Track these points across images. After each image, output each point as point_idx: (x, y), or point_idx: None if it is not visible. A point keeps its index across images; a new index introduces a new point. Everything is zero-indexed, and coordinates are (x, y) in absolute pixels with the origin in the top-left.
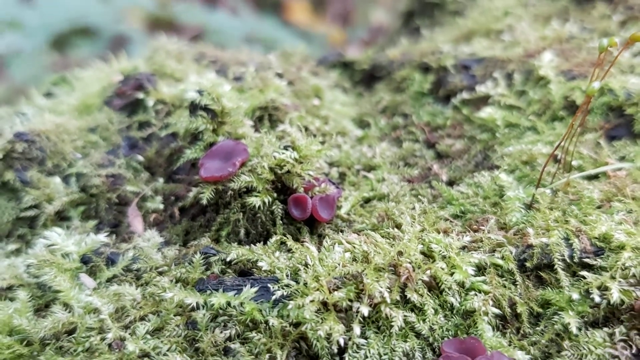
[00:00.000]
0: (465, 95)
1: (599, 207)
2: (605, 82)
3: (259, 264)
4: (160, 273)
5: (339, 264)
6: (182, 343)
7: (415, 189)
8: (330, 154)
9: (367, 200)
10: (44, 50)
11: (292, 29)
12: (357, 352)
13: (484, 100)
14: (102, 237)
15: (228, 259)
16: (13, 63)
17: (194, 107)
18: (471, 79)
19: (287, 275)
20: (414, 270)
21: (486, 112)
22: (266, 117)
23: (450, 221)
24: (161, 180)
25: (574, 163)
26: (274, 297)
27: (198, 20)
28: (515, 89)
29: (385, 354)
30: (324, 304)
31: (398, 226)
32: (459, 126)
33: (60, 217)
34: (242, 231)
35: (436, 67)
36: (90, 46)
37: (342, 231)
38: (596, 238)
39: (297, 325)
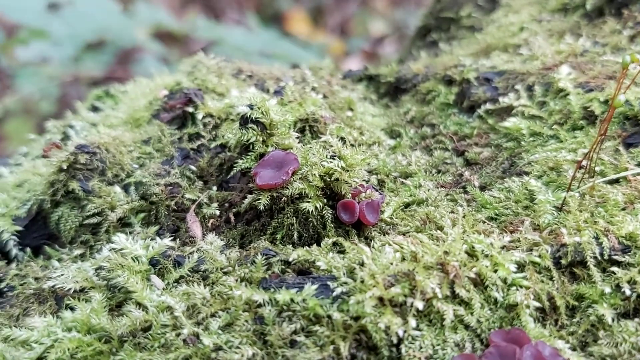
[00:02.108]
0: (489, 106)
1: (623, 209)
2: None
3: (317, 263)
4: (226, 273)
5: (391, 263)
6: (251, 337)
7: (450, 194)
8: (370, 162)
9: (407, 205)
10: (72, 59)
11: (295, 41)
12: (413, 343)
13: (508, 110)
14: (168, 241)
15: (290, 259)
16: (21, 75)
17: (244, 120)
18: (493, 90)
19: (343, 274)
20: (460, 268)
21: (511, 122)
22: (307, 128)
23: (487, 223)
24: (214, 188)
25: (596, 169)
26: (334, 294)
27: (214, 35)
28: (536, 100)
29: (438, 345)
30: (381, 299)
31: (440, 228)
32: (485, 135)
33: (122, 224)
34: (296, 234)
35: (459, 80)
36: (97, 60)
37: (387, 234)
38: (623, 237)
39: (357, 319)
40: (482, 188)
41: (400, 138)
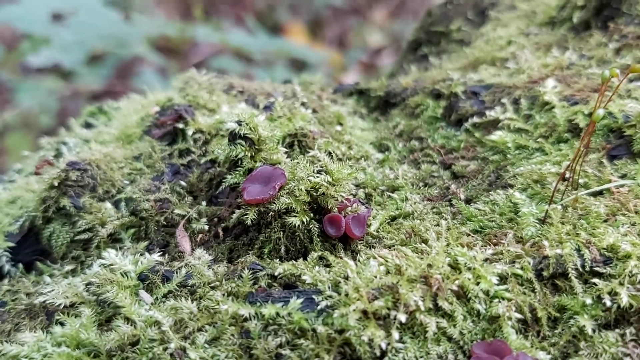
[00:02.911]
0: (476, 119)
1: (605, 221)
2: (605, 106)
3: (303, 277)
4: (213, 288)
5: (375, 276)
6: (237, 351)
7: (436, 207)
8: (357, 176)
9: (393, 219)
10: (81, 64)
11: (295, 49)
12: (396, 355)
13: (494, 124)
14: (156, 256)
15: (275, 274)
16: (21, 89)
17: (233, 136)
18: (480, 104)
19: (328, 287)
20: (443, 281)
21: (497, 135)
22: (296, 143)
23: (472, 236)
24: (204, 203)
25: (580, 181)
26: (318, 307)
27: (215, 38)
28: (522, 113)
29: (421, 357)
30: (364, 312)
31: (425, 241)
32: (472, 148)
33: (113, 240)
34: (283, 248)
35: (447, 94)
36: (97, 73)
37: (373, 247)
38: (604, 249)
39: (341, 332)
40: (468, 201)
41: (389, 152)
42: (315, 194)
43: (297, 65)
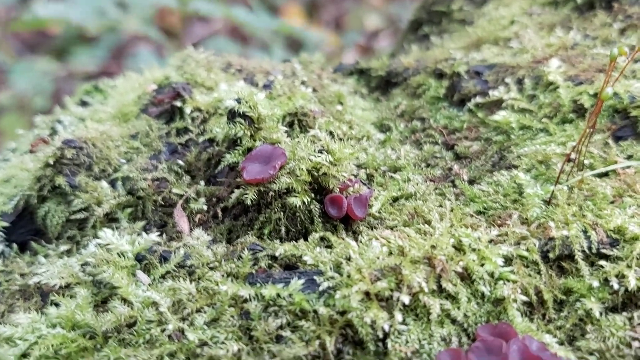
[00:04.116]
0: (479, 99)
1: (612, 202)
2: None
3: (304, 258)
4: (212, 268)
5: (378, 257)
6: (237, 332)
7: (439, 188)
8: (359, 156)
9: (395, 199)
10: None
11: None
12: (399, 338)
13: (497, 104)
14: (154, 236)
15: (276, 254)
16: (15, 71)
17: (232, 115)
18: (483, 84)
19: (330, 268)
20: (447, 262)
21: (500, 115)
22: (296, 122)
23: (476, 217)
24: (202, 183)
25: (585, 162)
26: (320, 288)
27: (222, 14)
28: (526, 94)
29: (424, 339)
30: (367, 293)
31: (428, 222)
32: (475, 129)
33: (109, 219)
34: (283, 229)
35: (450, 74)
36: (91, 54)
37: (375, 228)
38: (611, 230)
39: (343, 313)
40: (471, 182)
41: (390, 132)
42: (316, 173)
43: (294, 47)
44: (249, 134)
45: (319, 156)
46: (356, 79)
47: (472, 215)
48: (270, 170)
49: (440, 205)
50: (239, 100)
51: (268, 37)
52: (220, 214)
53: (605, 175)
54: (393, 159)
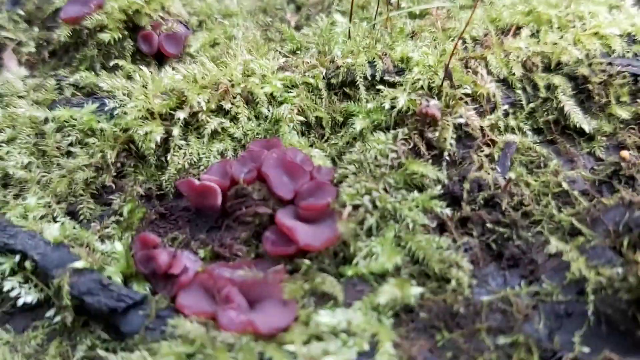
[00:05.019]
0: None
1: (412, 37)
2: None
3: (100, 84)
4: (21, 97)
5: (167, 82)
6: (31, 149)
7: (267, 34)
8: (194, 3)
9: (218, 43)
10: None
11: None
12: (178, 152)
13: None
14: None
15: (71, 81)
16: None
17: None
18: None
19: (123, 94)
20: (232, 86)
21: None
22: None
23: (281, 53)
24: (36, 29)
25: (403, 4)
26: (106, 109)
27: None
28: None
29: (203, 153)
30: (151, 113)
31: (234, 57)
32: None
33: None
34: (98, 66)
35: None
36: None
37: (184, 63)
38: (399, 60)
39: (126, 130)
40: (299, 28)
41: None
42: (130, 12)
43: None
44: None
45: None
46: None
47: (281, 53)
48: (85, 9)
49: (256, 45)
50: None
51: None
52: (47, 56)
53: (423, 17)
54: (227, 6)
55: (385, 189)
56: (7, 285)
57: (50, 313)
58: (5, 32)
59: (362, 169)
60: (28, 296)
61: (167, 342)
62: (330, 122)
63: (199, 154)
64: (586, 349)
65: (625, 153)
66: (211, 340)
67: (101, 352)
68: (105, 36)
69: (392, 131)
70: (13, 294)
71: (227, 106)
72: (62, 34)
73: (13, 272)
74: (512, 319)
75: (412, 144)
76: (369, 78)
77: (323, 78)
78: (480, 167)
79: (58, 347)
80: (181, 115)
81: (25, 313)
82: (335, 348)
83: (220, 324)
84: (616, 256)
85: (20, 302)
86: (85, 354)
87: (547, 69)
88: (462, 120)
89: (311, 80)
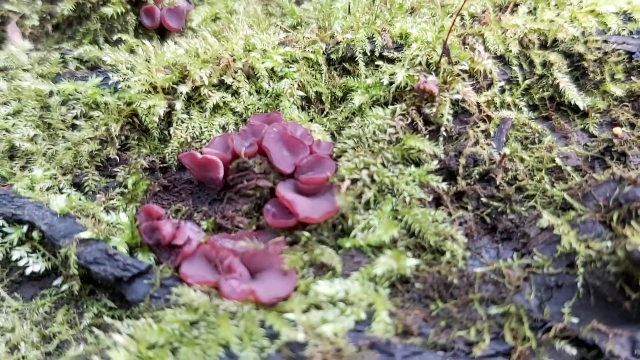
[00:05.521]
0: None
1: (411, 13)
2: None
3: (104, 58)
4: (25, 70)
5: (170, 56)
6: (37, 122)
7: (268, 9)
8: None
9: (219, 17)
10: None
11: None
12: (181, 125)
13: None
14: None
15: (75, 54)
16: None
17: None
18: None
19: (127, 68)
20: (234, 61)
21: None
22: None
23: (279, 27)
24: (40, 2)
25: None
26: (109, 82)
27: None
28: None
29: (205, 127)
30: (154, 87)
31: (235, 31)
32: None
33: None
34: (102, 39)
35: None
36: None
37: (186, 37)
38: (398, 36)
39: (130, 104)
40: (299, 3)
41: None
42: None
43: None
44: None
45: None
46: None
47: (281, 28)
48: None
49: (257, 19)
50: None
51: None
52: (50, 29)
53: None
54: None
55: (383, 164)
56: (15, 255)
57: (57, 282)
58: (9, 5)
59: (360, 144)
60: (36, 265)
61: (172, 310)
62: (329, 97)
63: (201, 128)
64: (575, 320)
65: (617, 130)
66: (214, 308)
67: (107, 319)
68: (108, 10)
69: (390, 107)
70: (21, 263)
71: (229, 81)
72: (65, 7)
73: (21, 242)
74: (504, 290)
75: (409, 120)
76: (368, 54)
77: (323, 53)
78: (476, 143)
79: (65, 315)
80: (183, 89)
81: (33, 282)
82: (333, 317)
83: (222, 293)
84: (606, 230)
85: (28, 271)
86: (92, 321)
87: (544, 46)
88: (459, 96)
89: (311, 56)
